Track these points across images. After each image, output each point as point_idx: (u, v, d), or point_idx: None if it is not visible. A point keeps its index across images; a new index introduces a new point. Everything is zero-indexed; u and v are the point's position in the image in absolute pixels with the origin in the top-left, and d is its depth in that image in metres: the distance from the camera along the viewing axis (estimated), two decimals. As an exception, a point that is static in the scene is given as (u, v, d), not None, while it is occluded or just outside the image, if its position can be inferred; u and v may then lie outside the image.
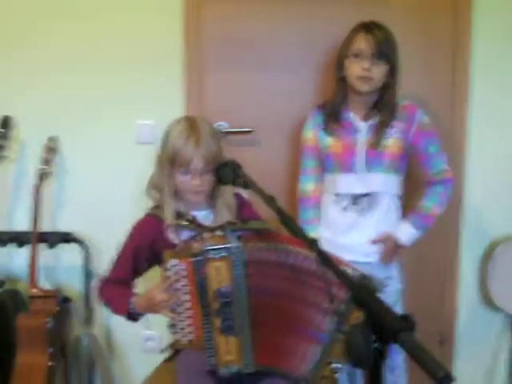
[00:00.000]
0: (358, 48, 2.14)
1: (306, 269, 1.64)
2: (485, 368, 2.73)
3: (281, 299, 1.67)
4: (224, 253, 1.65)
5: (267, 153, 2.59)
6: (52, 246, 2.51)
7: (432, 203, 2.22)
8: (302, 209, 2.34)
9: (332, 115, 2.25)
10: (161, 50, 2.50)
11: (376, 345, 1.01)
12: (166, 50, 2.50)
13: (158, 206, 1.92)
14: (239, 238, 1.70)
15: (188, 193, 1.86)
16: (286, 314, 1.67)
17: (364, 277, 1.52)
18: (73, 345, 2.61)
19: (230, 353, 1.68)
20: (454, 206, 2.55)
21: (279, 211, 1.41)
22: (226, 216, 1.88)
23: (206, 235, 1.73)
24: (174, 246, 1.81)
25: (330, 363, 1.65)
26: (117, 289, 1.90)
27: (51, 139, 2.47)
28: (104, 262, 2.48)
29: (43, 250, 2.48)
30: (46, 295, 2.37)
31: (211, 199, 1.92)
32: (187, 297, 1.69)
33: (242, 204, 1.97)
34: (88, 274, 2.55)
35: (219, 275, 1.65)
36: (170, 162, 1.82)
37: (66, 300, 2.47)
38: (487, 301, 2.67)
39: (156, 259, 1.83)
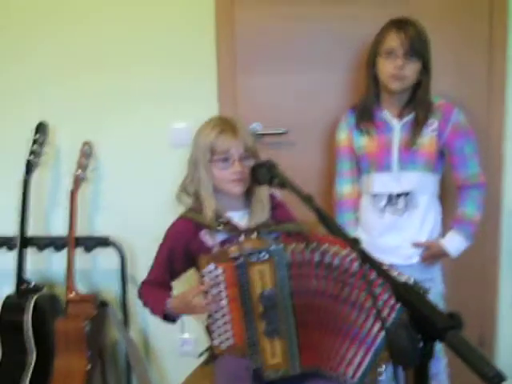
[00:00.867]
0: (389, 46, 2.10)
1: (346, 268, 1.62)
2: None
3: (324, 299, 1.65)
4: (267, 255, 1.63)
5: (301, 154, 2.57)
6: (89, 250, 2.53)
7: (473, 210, 2.18)
8: (339, 212, 2.32)
9: (365, 114, 2.22)
10: (194, 54, 2.51)
11: (422, 344, 0.99)
12: (200, 54, 2.50)
13: (191, 209, 1.92)
14: (276, 239, 1.69)
15: (228, 184, 1.85)
16: (329, 314, 1.65)
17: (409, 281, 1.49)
18: (110, 349, 2.63)
19: (276, 356, 1.66)
20: (493, 206, 2.50)
21: (318, 210, 1.39)
22: (262, 216, 1.88)
23: (242, 238, 1.73)
24: (208, 248, 1.82)
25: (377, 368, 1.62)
26: (154, 290, 1.92)
27: (86, 144, 2.49)
28: (140, 265, 2.53)
29: (80, 255, 2.50)
30: (84, 299, 2.39)
31: (246, 199, 1.91)
32: (226, 302, 1.68)
33: (275, 205, 1.97)
34: (124, 278, 2.56)
35: (262, 278, 1.64)
36: (208, 155, 1.83)
37: (103, 304, 2.48)
38: (528, 302, 2.61)
39: (191, 261, 1.84)
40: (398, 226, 2.19)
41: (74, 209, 2.41)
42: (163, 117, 2.53)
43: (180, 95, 2.52)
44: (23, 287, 2.43)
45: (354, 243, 1.24)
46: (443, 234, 2.24)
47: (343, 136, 2.29)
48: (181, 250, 1.88)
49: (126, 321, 2.59)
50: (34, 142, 2.46)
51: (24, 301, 2.36)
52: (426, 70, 2.13)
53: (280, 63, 2.54)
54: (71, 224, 2.40)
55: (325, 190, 2.50)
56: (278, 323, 1.65)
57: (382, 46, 2.13)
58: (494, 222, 2.56)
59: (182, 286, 1.98)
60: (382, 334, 1.57)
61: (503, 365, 2.65)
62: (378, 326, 1.58)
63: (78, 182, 2.44)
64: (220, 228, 1.84)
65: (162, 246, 1.93)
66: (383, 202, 2.21)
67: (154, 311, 1.90)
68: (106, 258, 2.59)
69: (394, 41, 2.09)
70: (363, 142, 2.23)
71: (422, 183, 2.19)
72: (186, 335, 2.63)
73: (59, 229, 2.54)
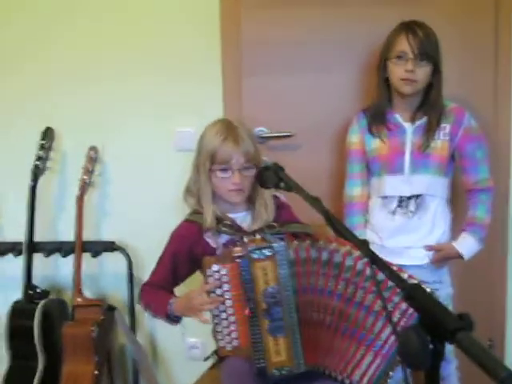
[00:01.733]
0: (400, 49, 2.10)
1: (360, 270, 1.62)
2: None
3: (328, 298, 1.65)
4: (269, 252, 1.64)
5: (308, 157, 2.56)
6: (96, 255, 2.53)
7: (483, 213, 2.17)
8: (349, 214, 2.31)
9: (377, 117, 2.21)
10: (199, 58, 2.51)
11: (432, 345, 0.98)
12: (205, 57, 2.50)
13: (195, 212, 1.92)
14: (281, 239, 1.69)
15: (228, 193, 1.86)
16: (334, 313, 1.65)
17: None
18: (118, 353, 2.62)
19: (280, 354, 1.65)
20: (501, 209, 2.50)
21: (325, 212, 1.38)
22: (265, 218, 1.88)
23: (246, 239, 1.73)
24: (212, 250, 1.82)
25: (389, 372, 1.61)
26: (158, 292, 1.91)
27: (92, 149, 2.49)
28: (147, 269, 2.49)
29: (87, 260, 2.50)
30: (91, 304, 2.40)
31: (250, 201, 1.92)
32: (230, 302, 1.68)
33: (280, 206, 1.96)
34: (131, 282, 2.56)
35: (266, 275, 1.64)
36: (209, 162, 1.84)
37: (110, 308, 2.48)
38: (538, 304, 2.59)
39: (195, 264, 1.84)
40: (409, 228, 2.19)
41: (81, 214, 2.41)
42: (168, 121, 2.54)
43: (185, 99, 2.52)
44: (31, 293, 2.43)
45: (363, 245, 1.23)
46: (452, 238, 2.23)
47: (355, 139, 2.28)
48: (185, 254, 1.88)
49: (133, 325, 2.59)
50: (41, 147, 2.47)
51: (32, 306, 2.37)
52: (437, 72, 2.12)
53: (286, 66, 2.53)
54: (78, 229, 2.41)
55: (332, 192, 2.50)
56: (282, 321, 1.64)
57: (392, 49, 2.12)
58: (502, 224, 2.54)
59: (186, 288, 1.98)
60: (393, 338, 1.56)
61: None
62: (387, 330, 1.58)
63: (84, 187, 2.45)
64: (224, 230, 1.84)
65: (166, 249, 1.93)
66: (394, 205, 2.20)
67: (156, 312, 1.89)
68: (112, 263, 2.59)
69: (404, 44, 2.08)
70: (375, 145, 2.22)
71: (433, 186, 2.18)
72: (194, 339, 2.62)
73: (66, 234, 2.54)
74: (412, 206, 2.17)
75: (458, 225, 2.26)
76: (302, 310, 1.65)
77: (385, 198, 2.22)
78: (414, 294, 1.03)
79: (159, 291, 1.90)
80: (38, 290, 2.46)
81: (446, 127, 2.15)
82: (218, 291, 1.68)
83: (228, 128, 1.86)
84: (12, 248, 2.54)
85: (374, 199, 2.27)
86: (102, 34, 2.53)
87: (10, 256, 2.55)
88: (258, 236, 1.73)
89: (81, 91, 2.56)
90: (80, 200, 2.43)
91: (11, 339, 2.40)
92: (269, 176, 1.67)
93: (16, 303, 2.42)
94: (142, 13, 2.51)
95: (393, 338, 1.57)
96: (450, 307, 2.21)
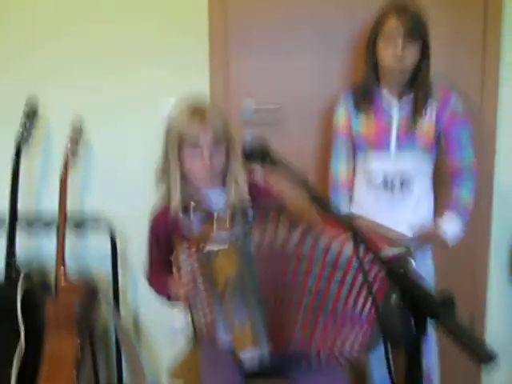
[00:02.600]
0: (389, 28, 2.08)
1: (338, 252, 1.59)
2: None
3: (299, 277, 1.64)
4: (231, 239, 1.67)
5: (294, 135, 2.55)
6: (79, 226, 2.52)
7: (467, 193, 2.17)
8: (334, 192, 2.31)
9: (364, 95, 2.21)
10: (186, 38, 2.48)
11: (414, 323, 0.98)
12: (192, 38, 2.47)
13: (166, 195, 1.92)
14: (252, 220, 1.74)
15: (198, 174, 1.85)
16: (303, 291, 1.64)
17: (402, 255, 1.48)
18: (101, 332, 2.61)
19: (247, 337, 1.69)
20: (485, 193, 2.51)
21: (310, 189, 1.36)
22: (239, 193, 1.88)
23: (215, 221, 1.77)
24: (189, 229, 1.83)
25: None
26: (159, 276, 1.93)
27: (76, 118, 2.45)
28: (131, 243, 2.55)
29: (71, 234, 2.48)
30: (74, 283, 2.37)
31: (223, 177, 1.91)
32: (202, 286, 1.72)
33: (258, 193, 1.95)
34: (115, 260, 2.54)
35: (228, 263, 1.66)
36: (177, 143, 1.83)
37: (94, 287, 2.46)
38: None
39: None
40: (393, 205, 2.19)
41: (65, 186, 2.36)
42: (155, 91, 2.51)
43: (171, 69, 2.49)
44: (12, 266, 2.39)
45: (347, 220, 1.22)
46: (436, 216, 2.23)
47: (341, 118, 2.28)
48: (165, 238, 1.88)
49: (116, 298, 2.57)
50: (24, 116, 2.43)
51: (14, 285, 2.33)
52: (425, 50, 2.11)
53: (274, 43, 2.51)
54: (61, 202, 2.35)
55: (318, 170, 2.51)
56: (246, 306, 1.68)
57: (381, 28, 2.11)
58: (486, 208, 2.56)
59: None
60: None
61: (493, 344, 2.64)
62: (369, 303, 1.57)
63: (69, 157, 2.40)
64: (195, 211, 1.85)
65: (148, 237, 1.96)
66: (379, 181, 2.20)
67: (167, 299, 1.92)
68: (97, 241, 2.56)
69: (393, 23, 2.07)
70: (362, 124, 2.22)
71: (418, 164, 2.19)
72: (177, 319, 2.60)
73: (50, 206, 2.49)
74: (396, 182, 2.18)
75: (441, 210, 2.24)
76: (267, 294, 1.67)
77: (370, 174, 2.22)
78: (395, 271, 1.02)
79: (161, 275, 1.90)
80: (20, 266, 2.41)
81: (433, 104, 2.16)
82: (190, 276, 1.72)
83: (195, 106, 1.87)
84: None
85: (359, 176, 2.28)
86: (88, 24, 2.50)
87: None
88: (227, 216, 1.78)
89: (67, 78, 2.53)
90: (65, 172, 2.37)
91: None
92: (254, 151, 1.66)
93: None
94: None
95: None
96: (432, 283, 2.25)
